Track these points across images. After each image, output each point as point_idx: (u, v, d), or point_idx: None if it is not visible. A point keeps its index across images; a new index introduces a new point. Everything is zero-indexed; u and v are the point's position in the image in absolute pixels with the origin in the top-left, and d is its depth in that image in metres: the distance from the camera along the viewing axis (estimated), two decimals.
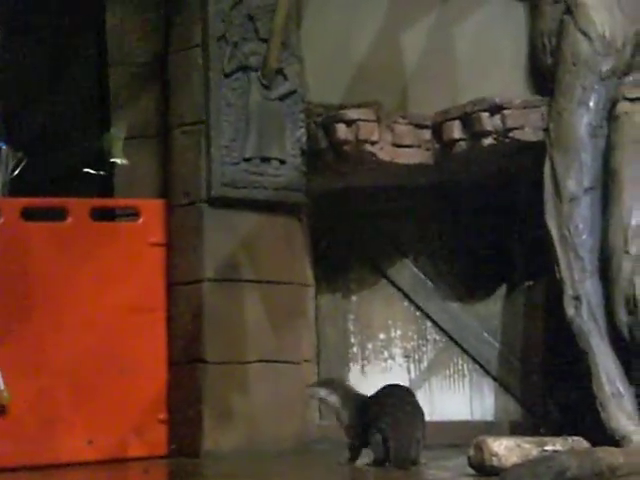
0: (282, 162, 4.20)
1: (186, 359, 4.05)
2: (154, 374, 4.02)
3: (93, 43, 4.48)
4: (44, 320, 3.87)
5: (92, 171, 3.87)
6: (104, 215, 4.16)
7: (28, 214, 3.92)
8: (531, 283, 4.33)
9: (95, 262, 3.97)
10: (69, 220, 3.97)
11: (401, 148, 4.14)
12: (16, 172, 3.95)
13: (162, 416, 4.01)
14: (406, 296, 4.46)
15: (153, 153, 4.26)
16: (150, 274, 4.10)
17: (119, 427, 3.89)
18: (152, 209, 4.15)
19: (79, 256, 3.95)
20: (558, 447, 3.14)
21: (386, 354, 4.45)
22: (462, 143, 4.07)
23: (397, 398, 3.47)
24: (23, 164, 3.97)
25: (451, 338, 4.42)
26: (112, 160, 3.94)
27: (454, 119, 4.05)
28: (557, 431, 3.59)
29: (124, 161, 3.93)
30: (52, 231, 3.95)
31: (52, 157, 4.07)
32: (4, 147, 3.96)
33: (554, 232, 3.86)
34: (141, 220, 4.13)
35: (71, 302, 3.92)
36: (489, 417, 4.32)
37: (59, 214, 3.98)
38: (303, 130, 4.22)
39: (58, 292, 3.91)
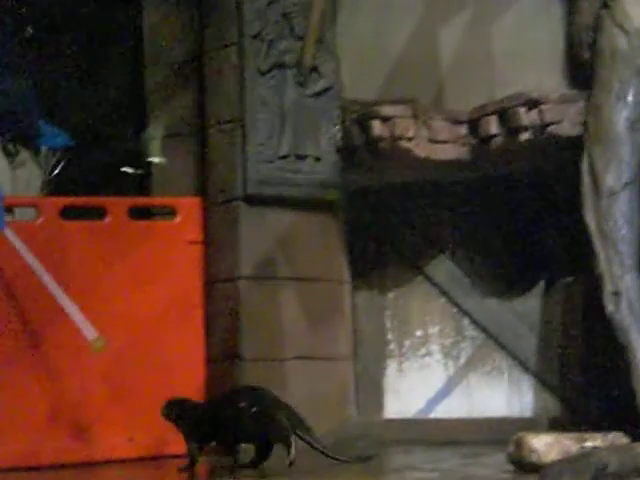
0: (317, 159, 4.20)
1: (224, 356, 4.07)
2: (192, 371, 4.04)
3: (130, 43, 4.51)
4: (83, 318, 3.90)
5: (130, 170, 3.90)
6: (142, 214, 4.19)
7: (67, 213, 3.96)
8: (570, 279, 4.29)
9: (133, 260, 3.99)
10: (108, 219, 4.01)
11: (437, 144, 4.12)
12: (56, 171, 3.98)
13: None
14: (443, 292, 4.44)
15: (190, 152, 4.28)
16: (187, 272, 4.12)
17: (159, 424, 3.90)
18: (189, 207, 4.17)
19: (117, 254, 3.98)
20: (598, 443, 3.11)
21: (423, 351, 4.44)
22: (499, 138, 4.03)
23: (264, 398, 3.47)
24: (63, 163, 4.00)
25: (489, 334, 4.38)
26: (150, 159, 3.97)
27: (491, 114, 4.02)
28: (597, 427, 3.56)
29: (162, 160, 3.95)
30: (91, 230, 3.99)
31: (90, 156, 4.10)
32: (44, 148, 3.99)
33: (592, 227, 3.83)
34: (178, 218, 4.15)
35: (110, 300, 3.95)
36: (528, 413, 4.28)
37: (98, 213, 4.02)
38: (338, 127, 4.22)
39: (97, 290, 3.94)
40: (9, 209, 3.94)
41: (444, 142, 4.13)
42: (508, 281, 4.41)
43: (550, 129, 3.96)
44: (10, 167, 3.96)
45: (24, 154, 4.01)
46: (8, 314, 3.80)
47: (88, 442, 3.82)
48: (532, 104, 3.96)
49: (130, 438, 3.86)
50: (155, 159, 3.99)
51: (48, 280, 3.68)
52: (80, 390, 3.83)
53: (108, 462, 3.61)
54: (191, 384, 4.03)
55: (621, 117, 3.87)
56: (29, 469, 3.60)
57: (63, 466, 3.68)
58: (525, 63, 4.16)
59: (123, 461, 3.73)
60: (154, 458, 3.82)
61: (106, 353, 3.86)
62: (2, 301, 3.80)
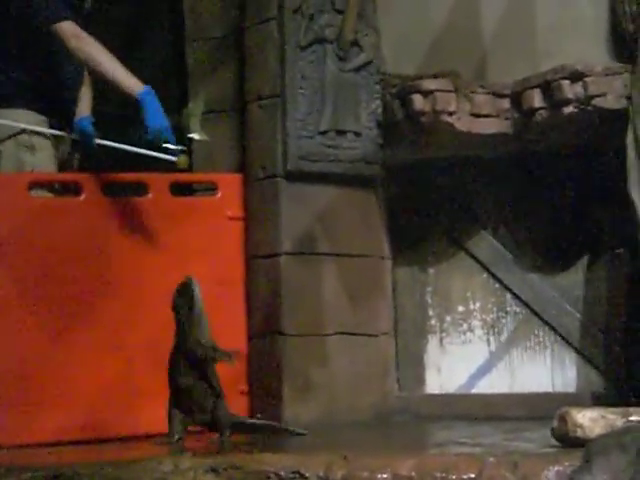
0: (358, 135, 4.18)
1: (265, 332, 4.08)
2: (234, 346, 4.05)
3: (170, 18, 4.52)
4: (126, 294, 3.92)
5: (171, 146, 3.91)
6: (183, 190, 4.20)
7: (109, 189, 3.98)
8: (614, 254, 4.26)
9: (175, 236, 4.00)
10: (149, 195, 4.02)
11: (479, 118, 4.09)
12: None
13: (243, 387, 4.05)
14: (485, 268, 4.41)
15: (230, 127, 4.28)
16: (228, 248, 4.13)
17: None
18: (230, 183, 4.18)
19: (159, 231, 3.99)
20: None
21: (465, 326, 4.43)
22: (542, 112, 3.99)
23: None
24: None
25: (531, 310, 4.36)
26: (190, 135, 3.98)
27: (534, 87, 3.98)
28: None
29: (204, 137, 3.96)
30: (133, 206, 4.00)
31: (131, 133, 4.12)
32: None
33: (637, 201, 3.77)
34: (219, 194, 4.16)
35: (152, 276, 3.96)
36: (571, 389, 4.27)
37: (139, 189, 4.04)
38: (379, 102, 4.20)
39: (139, 266, 3.95)
40: (52, 186, 3.98)
41: (486, 116, 4.10)
42: (551, 256, 4.39)
43: (594, 102, 3.91)
44: (53, 144, 3.98)
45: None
46: (57, 288, 3.83)
47: (132, 417, 3.84)
48: (576, 77, 3.91)
49: None
50: (197, 136, 3.99)
51: None
52: (123, 365, 3.85)
53: (151, 436, 3.63)
54: None
55: None
56: (76, 443, 3.64)
57: (107, 440, 3.70)
58: (568, 35, 4.12)
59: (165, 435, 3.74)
60: (198, 432, 3.83)
61: (149, 328, 3.90)
62: (50, 275, 3.83)
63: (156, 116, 3.71)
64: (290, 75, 4.08)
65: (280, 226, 4.07)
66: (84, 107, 4.05)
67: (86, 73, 4.10)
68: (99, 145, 3.93)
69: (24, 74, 3.91)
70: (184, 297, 3.47)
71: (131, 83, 3.73)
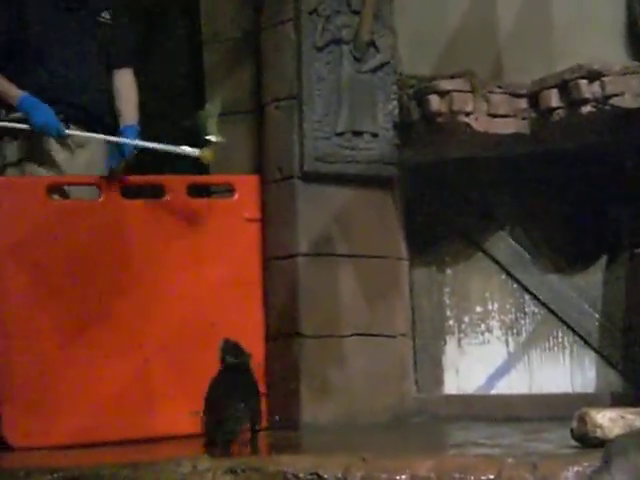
0: (374, 135, 4.18)
1: (282, 333, 4.09)
2: (251, 348, 4.04)
3: (186, 20, 4.53)
4: (144, 295, 3.94)
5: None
6: (200, 192, 4.22)
7: (127, 192, 4.00)
8: (633, 252, 4.23)
9: (192, 238, 4.03)
10: (167, 197, 4.04)
11: (496, 118, 4.07)
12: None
13: (261, 389, 4.05)
14: (503, 269, 4.40)
15: (247, 129, 4.30)
16: (245, 249, 4.14)
17: None
18: (247, 185, 4.19)
19: (177, 232, 4.01)
20: None
21: (483, 327, 4.41)
22: (560, 111, 3.97)
23: None
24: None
25: (550, 310, 4.34)
26: (207, 137, 3.99)
27: (551, 87, 3.95)
28: None
29: (220, 139, 3.97)
30: (151, 208, 4.02)
31: (149, 135, 4.13)
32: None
33: None
34: (236, 196, 4.17)
35: (169, 277, 3.98)
36: (590, 389, 4.25)
37: (157, 191, 4.05)
38: (395, 102, 4.19)
39: (157, 268, 3.97)
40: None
41: (503, 116, 4.08)
42: (569, 256, 4.37)
43: (612, 101, 3.89)
44: (66, 148, 4.01)
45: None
46: (75, 290, 3.85)
47: (149, 418, 3.85)
48: (594, 76, 3.89)
49: (194, 412, 3.88)
50: (213, 138, 4.01)
51: None
52: (141, 365, 3.87)
53: (171, 438, 3.64)
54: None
55: None
56: (92, 445, 3.65)
57: (125, 442, 3.71)
58: (585, 35, 4.10)
59: (184, 437, 3.75)
60: None
61: (166, 329, 3.92)
62: (69, 277, 3.86)
63: (39, 112, 3.80)
64: (307, 76, 4.08)
65: (297, 227, 4.08)
66: (128, 114, 4.05)
67: (129, 78, 4.09)
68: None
69: (44, 76, 3.93)
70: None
71: (12, 91, 3.86)
